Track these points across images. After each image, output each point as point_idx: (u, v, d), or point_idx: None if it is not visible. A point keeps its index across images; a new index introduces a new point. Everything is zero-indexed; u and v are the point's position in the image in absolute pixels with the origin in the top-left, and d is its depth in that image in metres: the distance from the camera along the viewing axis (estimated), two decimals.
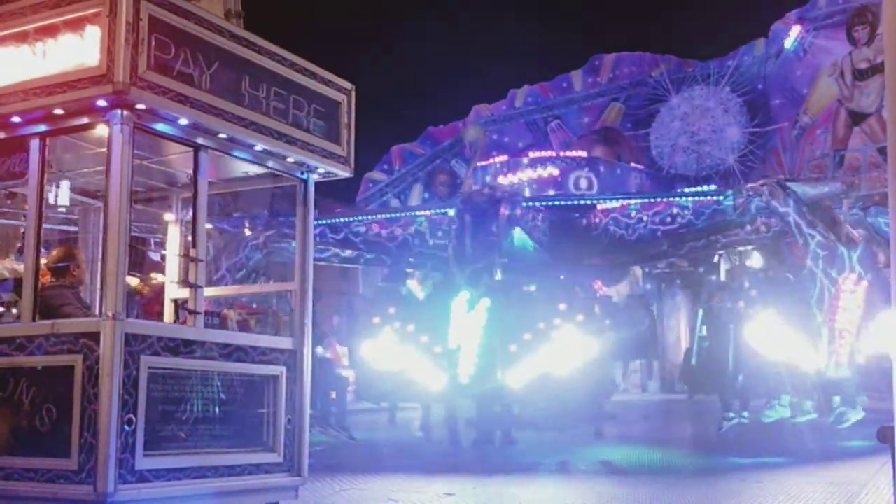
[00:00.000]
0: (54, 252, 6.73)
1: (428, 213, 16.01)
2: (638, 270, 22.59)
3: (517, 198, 14.10)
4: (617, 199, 16.47)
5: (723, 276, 20.12)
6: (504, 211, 13.39)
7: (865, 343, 12.26)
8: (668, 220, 14.48)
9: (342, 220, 16.28)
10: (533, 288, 13.04)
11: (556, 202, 16.37)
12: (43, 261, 6.33)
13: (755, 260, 13.82)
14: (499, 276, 12.92)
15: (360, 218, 16.66)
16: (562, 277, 14.36)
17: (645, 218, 14.81)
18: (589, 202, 16.35)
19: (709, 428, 12.42)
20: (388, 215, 17.58)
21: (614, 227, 15.10)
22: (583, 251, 15.33)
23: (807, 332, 12.08)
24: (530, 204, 15.10)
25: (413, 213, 16.54)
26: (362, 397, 15.37)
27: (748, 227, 14.05)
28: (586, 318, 12.13)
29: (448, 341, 11.98)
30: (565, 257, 14.95)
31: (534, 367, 11.78)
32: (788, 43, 25.91)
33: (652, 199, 15.70)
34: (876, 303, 12.22)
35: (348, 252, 15.95)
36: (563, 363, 11.75)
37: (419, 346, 12.16)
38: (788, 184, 13.39)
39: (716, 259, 19.47)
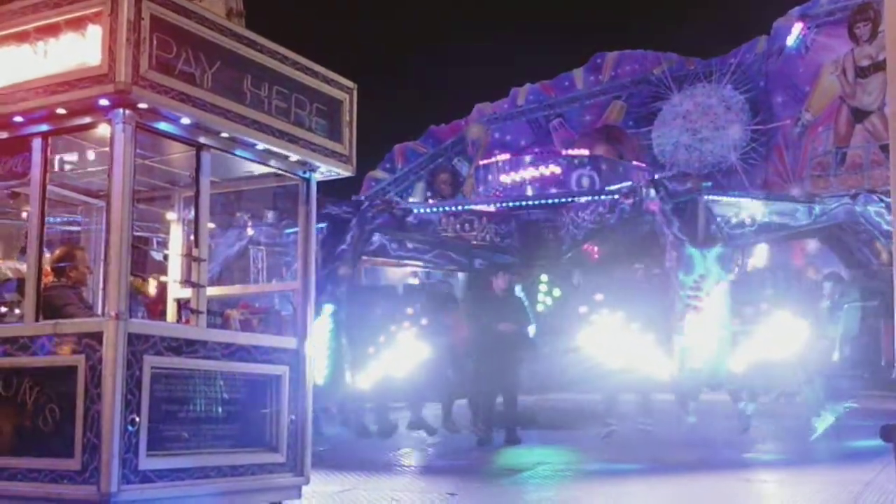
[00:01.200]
0: (57, 251, 6.73)
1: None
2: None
3: (380, 207, 14.04)
4: (504, 202, 16.36)
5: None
6: (366, 220, 13.49)
7: (750, 346, 11.99)
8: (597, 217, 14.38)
9: None
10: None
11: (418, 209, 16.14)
12: (47, 260, 6.33)
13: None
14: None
15: None
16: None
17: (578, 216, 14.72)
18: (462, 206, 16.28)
19: (702, 426, 12.41)
20: None
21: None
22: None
23: (658, 336, 11.81)
24: (417, 210, 15.02)
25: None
26: None
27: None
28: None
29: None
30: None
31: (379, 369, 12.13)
32: (790, 40, 25.92)
33: (550, 202, 15.62)
34: (742, 304, 12.08)
35: None
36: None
37: None
38: (660, 180, 13.40)
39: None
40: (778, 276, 14.56)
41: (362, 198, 17.37)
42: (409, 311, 12.43)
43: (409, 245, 14.73)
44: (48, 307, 6.00)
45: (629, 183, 15.48)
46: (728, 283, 12.12)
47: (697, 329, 11.82)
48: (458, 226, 14.77)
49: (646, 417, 11.65)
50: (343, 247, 12.97)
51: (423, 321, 12.22)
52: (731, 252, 12.90)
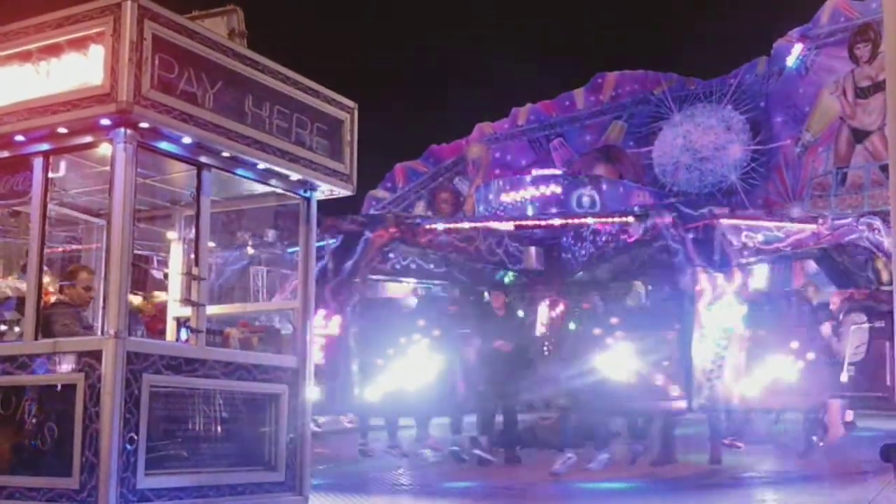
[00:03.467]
0: (73, 271, 6.77)
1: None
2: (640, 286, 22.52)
3: (389, 224, 14.07)
4: (511, 221, 16.36)
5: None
6: (373, 236, 13.50)
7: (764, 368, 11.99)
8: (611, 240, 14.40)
9: None
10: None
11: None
12: (47, 279, 6.34)
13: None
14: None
15: None
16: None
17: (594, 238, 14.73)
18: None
19: (703, 443, 12.37)
20: None
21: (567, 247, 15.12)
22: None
23: (673, 357, 11.78)
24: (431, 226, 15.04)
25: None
26: None
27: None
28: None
29: None
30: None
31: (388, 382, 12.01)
32: (791, 61, 25.99)
33: (564, 222, 15.64)
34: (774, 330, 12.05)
35: None
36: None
37: None
38: (678, 206, 13.37)
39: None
40: (781, 298, 14.52)
41: (373, 212, 17.40)
42: (422, 321, 12.25)
43: (417, 261, 14.69)
44: (47, 326, 6.00)
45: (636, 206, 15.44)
46: (744, 306, 12.09)
47: (715, 350, 11.79)
48: (463, 244, 14.76)
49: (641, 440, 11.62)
50: (354, 259, 12.95)
51: (461, 330, 12.09)
52: (746, 273, 12.88)
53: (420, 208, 30.71)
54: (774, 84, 26.41)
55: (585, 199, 21.42)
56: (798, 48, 25.87)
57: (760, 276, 16.99)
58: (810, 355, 11.75)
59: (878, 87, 23.16)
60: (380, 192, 31.70)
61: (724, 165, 26.49)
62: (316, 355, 11.75)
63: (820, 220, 14.05)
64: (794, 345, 11.76)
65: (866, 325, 12.72)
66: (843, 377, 12.29)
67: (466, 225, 15.49)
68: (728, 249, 12.32)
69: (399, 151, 31.94)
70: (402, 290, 18.33)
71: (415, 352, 12.03)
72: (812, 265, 16.69)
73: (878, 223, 13.88)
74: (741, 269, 12.43)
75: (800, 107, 25.71)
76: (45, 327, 5.94)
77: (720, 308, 11.81)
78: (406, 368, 11.95)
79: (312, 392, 6.96)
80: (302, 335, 6.85)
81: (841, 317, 12.74)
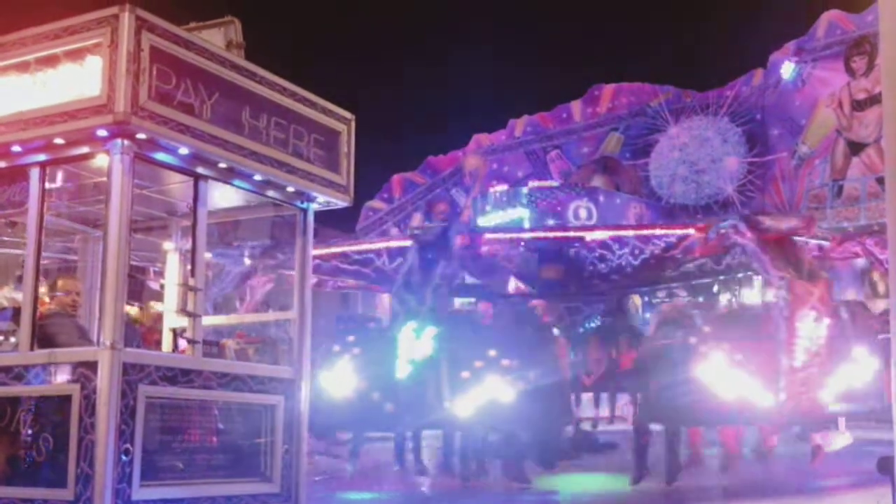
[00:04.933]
0: (53, 281, 6.74)
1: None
2: (637, 299, 22.57)
3: (470, 230, 14.06)
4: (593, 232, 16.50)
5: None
6: (458, 245, 13.42)
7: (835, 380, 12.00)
8: (649, 252, 14.49)
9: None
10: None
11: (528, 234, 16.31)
12: (42, 289, 6.33)
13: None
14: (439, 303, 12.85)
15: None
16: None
17: (627, 249, 14.83)
18: (572, 234, 16.35)
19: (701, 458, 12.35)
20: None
21: (595, 258, 15.16)
22: (569, 280, 15.36)
23: (766, 367, 11.80)
24: (506, 236, 15.06)
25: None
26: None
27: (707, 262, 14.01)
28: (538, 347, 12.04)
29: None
30: (551, 285, 15.00)
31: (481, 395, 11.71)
32: (787, 73, 26.06)
33: (624, 234, 15.76)
34: (842, 340, 12.07)
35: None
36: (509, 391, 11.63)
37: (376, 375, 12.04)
38: (755, 218, 13.41)
39: (715, 289, 19.47)
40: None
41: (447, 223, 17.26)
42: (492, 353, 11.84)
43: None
44: (44, 336, 5.99)
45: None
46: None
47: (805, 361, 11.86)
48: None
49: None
50: (437, 270, 12.87)
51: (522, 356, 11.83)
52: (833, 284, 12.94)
53: (417, 220, 30.72)
54: (771, 96, 26.48)
55: (582, 211, 21.43)
56: (794, 61, 25.93)
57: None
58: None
59: (875, 99, 23.23)
60: (377, 203, 31.72)
61: (721, 177, 26.54)
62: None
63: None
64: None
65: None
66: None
67: (552, 234, 15.52)
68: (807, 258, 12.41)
69: (396, 162, 32.01)
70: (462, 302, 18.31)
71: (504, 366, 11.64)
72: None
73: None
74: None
75: (796, 119, 25.78)
76: (42, 338, 5.93)
77: (806, 318, 11.87)
78: (498, 382, 11.56)
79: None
80: (299, 346, 6.83)
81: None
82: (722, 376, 11.23)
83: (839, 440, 11.80)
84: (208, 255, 6.99)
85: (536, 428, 11.55)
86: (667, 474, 10.81)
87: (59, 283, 6.73)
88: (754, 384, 11.49)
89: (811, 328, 11.69)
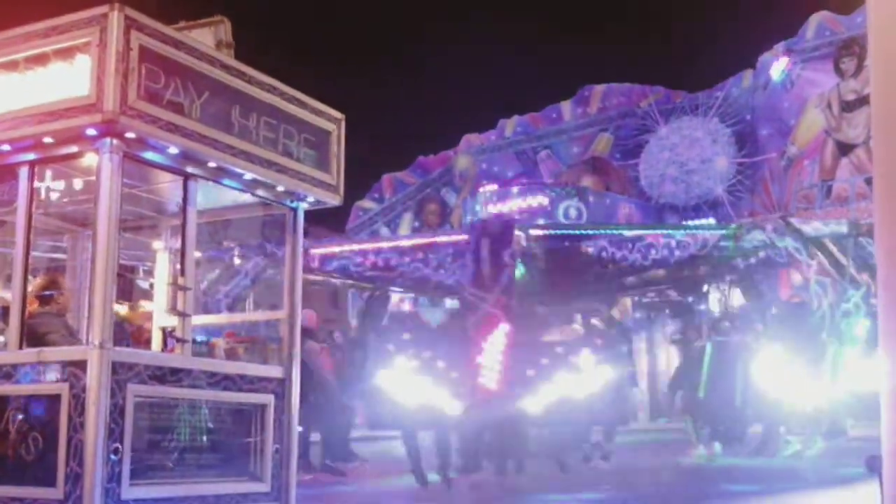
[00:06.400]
0: (39, 280, 6.73)
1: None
2: (627, 300, 22.64)
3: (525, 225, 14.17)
4: (619, 230, 16.55)
5: (713, 308, 20.09)
6: (517, 238, 13.43)
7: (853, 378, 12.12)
8: (665, 251, 14.47)
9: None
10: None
11: (565, 231, 16.37)
12: (31, 288, 6.32)
13: (735, 295, 13.75)
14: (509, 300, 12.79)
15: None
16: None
17: (637, 248, 14.81)
18: (590, 232, 16.32)
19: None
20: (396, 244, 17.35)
21: (606, 256, 15.12)
22: (575, 279, 15.37)
23: (814, 365, 11.93)
24: (544, 233, 15.10)
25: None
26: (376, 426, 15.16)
27: (737, 261, 14.03)
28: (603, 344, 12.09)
29: (464, 367, 11.79)
30: (557, 285, 14.99)
31: (552, 392, 11.58)
32: (776, 74, 26.12)
33: (652, 232, 15.74)
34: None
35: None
36: (580, 388, 11.55)
37: (435, 373, 11.87)
38: (790, 220, 13.44)
39: (704, 289, 19.53)
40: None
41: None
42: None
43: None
44: (33, 335, 5.98)
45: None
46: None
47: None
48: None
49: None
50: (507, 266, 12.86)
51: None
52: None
53: (407, 220, 30.72)
54: (760, 97, 26.55)
55: (572, 211, 21.47)
56: (783, 61, 26.00)
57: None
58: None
59: (863, 100, 23.31)
60: (367, 203, 31.70)
61: (711, 178, 26.59)
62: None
63: None
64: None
65: None
66: None
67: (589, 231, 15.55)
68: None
69: (386, 162, 32.02)
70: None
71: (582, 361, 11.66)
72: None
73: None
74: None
75: (785, 120, 25.85)
76: (31, 337, 5.92)
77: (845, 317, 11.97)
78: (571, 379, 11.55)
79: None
80: (289, 345, 6.84)
81: None
82: None
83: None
84: (198, 254, 6.98)
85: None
86: None
87: (49, 281, 6.72)
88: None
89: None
